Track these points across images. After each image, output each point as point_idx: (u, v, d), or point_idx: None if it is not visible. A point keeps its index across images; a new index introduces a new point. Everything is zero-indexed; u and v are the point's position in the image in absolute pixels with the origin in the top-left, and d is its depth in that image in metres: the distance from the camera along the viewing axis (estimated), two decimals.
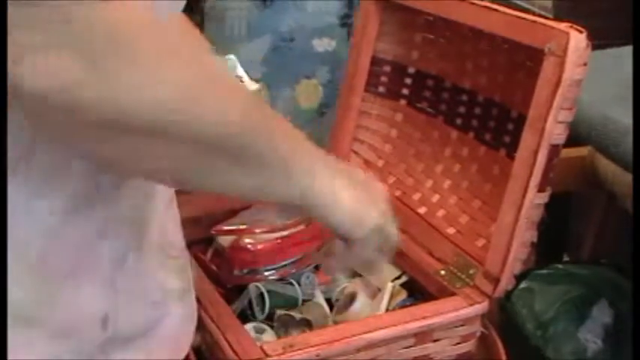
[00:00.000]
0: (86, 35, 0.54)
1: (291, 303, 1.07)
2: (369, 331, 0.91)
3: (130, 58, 0.56)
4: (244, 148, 0.69)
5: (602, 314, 1.27)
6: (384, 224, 0.86)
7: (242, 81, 1.32)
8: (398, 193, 1.20)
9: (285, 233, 1.09)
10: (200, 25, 1.65)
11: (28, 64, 0.53)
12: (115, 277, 0.73)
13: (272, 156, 0.73)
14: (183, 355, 0.85)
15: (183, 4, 0.72)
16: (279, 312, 1.05)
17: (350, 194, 0.82)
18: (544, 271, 1.33)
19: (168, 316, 0.81)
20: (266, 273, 1.10)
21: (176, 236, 0.84)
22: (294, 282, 1.10)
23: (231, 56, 1.27)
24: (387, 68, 1.24)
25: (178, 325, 0.83)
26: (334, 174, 0.80)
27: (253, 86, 1.32)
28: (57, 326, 0.70)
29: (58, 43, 0.54)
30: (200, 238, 1.13)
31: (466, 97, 1.17)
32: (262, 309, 1.05)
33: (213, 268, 1.11)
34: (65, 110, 0.56)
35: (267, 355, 0.86)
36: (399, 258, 1.10)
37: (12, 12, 0.53)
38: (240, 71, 1.31)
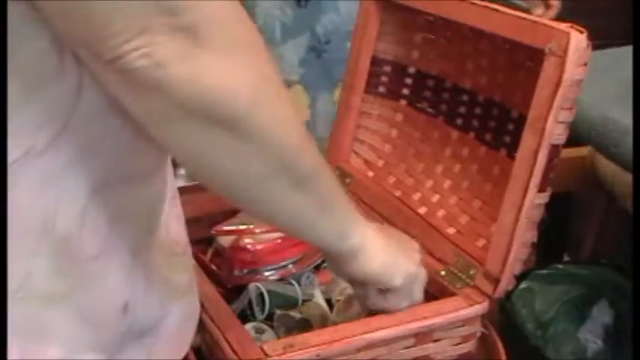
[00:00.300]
0: (190, 22, 0.60)
1: (291, 303, 1.07)
2: (370, 331, 0.91)
3: (220, 45, 0.62)
4: (301, 168, 0.73)
5: (602, 314, 1.27)
6: (416, 276, 0.93)
7: None
8: (398, 193, 1.20)
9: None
10: None
11: (133, 43, 0.60)
12: (133, 266, 0.75)
13: (322, 188, 0.77)
14: (184, 352, 0.86)
15: None
16: (279, 312, 1.05)
17: (384, 244, 0.88)
18: (544, 271, 1.33)
19: (171, 314, 0.81)
20: (266, 273, 1.10)
21: (180, 234, 0.85)
22: (294, 282, 1.10)
23: None
24: (388, 68, 1.24)
25: (180, 322, 0.83)
26: (368, 224, 0.86)
27: None
28: (82, 309, 0.71)
29: (161, 24, 0.60)
30: (200, 238, 1.13)
31: (466, 97, 1.17)
32: (262, 309, 1.05)
33: (213, 268, 1.11)
34: (155, 87, 0.61)
35: (267, 355, 0.86)
36: None
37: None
38: None
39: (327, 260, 0.94)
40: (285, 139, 0.69)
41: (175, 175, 1.13)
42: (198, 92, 0.62)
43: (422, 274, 0.94)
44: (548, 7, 1.63)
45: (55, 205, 0.67)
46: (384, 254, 0.88)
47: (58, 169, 0.67)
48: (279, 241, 1.09)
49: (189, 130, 0.65)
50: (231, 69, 0.63)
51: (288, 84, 1.60)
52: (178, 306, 0.83)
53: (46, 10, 0.61)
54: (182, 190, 1.07)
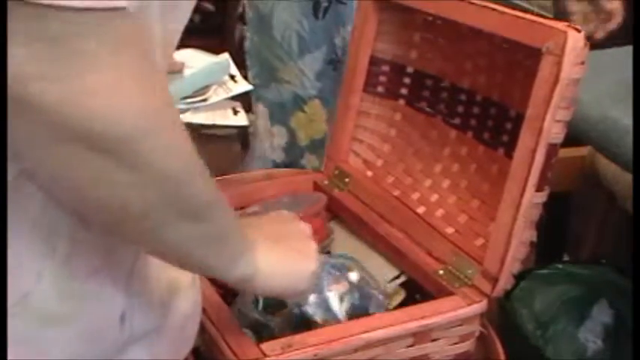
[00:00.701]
0: (56, 35, 0.54)
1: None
2: (368, 331, 0.91)
3: (95, 64, 0.56)
4: (190, 201, 0.67)
5: (602, 314, 1.27)
6: (319, 271, 0.90)
7: (235, 81, 1.31)
8: (397, 192, 1.20)
9: None
10: (238, 43, 1.62)
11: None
12: (131, 274, 0.74)
13: (213, 221, 0.72)
14: (188, 348, 0.86)
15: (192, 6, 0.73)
16: (278, 311, 1.04)
17: (278, 259, 0.84)
18: (544, 271, 1.33)
19: (173, 311, 0.81)
20: None
21: None
22: None
23: (226, 55, 1.26)
24: (386, 68, 1.24)
25: (183, 320, 0.83)
26: (259, 247, 0.81)
27: (247, 87, 1.31)
28: (80, 327, 0.71)
29: (29, 38, 0.54)
30: None
31: (465, 97, 1.17)
32: (262, 308, 1.05)
33: None
34: (21, 107, 0.55)
35: (265, 356, 0.86)
36: (398, 258, 1.10)
37: None
38: (234, 70, 1.30)
39: None
40: (172, 171, 0.64)
41: None
42: (77, 116, 0.56)
43: (320, 263, 0.91)
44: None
45: (56, 225, 0.67)
46: (281, 270, 0.84)
47: None
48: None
49: (67, 156, 0.59)
50: (114, 94, 0.57)
51: (306, 99, 1.58)
52: (180, 303, 0.83)
53: None
54: None
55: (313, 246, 0.89)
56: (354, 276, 1.04)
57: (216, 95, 1.43)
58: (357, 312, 1.00)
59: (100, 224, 0.67)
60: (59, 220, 0.67)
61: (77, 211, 0.66)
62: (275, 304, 1.03)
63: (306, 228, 0.91)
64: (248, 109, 1.63)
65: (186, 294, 0.84)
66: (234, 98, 1.53)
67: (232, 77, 1.27)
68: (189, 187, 0.66)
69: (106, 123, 0.57)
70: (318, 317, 1.00)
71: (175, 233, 0.68)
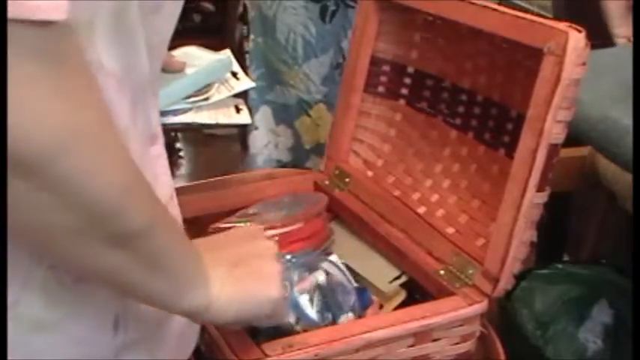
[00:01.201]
0: None
1: None
2: (368, 331, 0.91)
3: (22, 81, 0.53)
4: (120, 225, 0.63)
5: (602, 314, 1.27)
6: (281, 298, 0.82)
7: (238, 78, 1.31)
8: (397, 192, 1.20)
9: (283, 230, 1.08)
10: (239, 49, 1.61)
11: None
12: None
13: (151, 246, 0.67)
14: (190, 351, 0.86)
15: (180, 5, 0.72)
16: None
17: (236, 291, 0.77)
18: (544, 271, 1.33)
19: (173, 318, 0.81)
20: None
21: None
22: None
23: (227, 51, 1.25)
24: (387, 68, 1.24)
25: (184, 322, 0.82)
26: (213, 275, 0.76)
27: (249, 84, 1.31)
28: (71, 333, 0.70)
29: None
30: (199, 238, 1.13)
31: (465, 97, 1.17)
32: None
33: None
34: None
35: (266, 356, 0.86)
36: (399, 258, 1.10)
37: None
38: (236, 67, 1.30)
39: None
40: (98, 193, 0.60)
41: (175, 175, 1.14)
42: None
43: (284, 292, 0.84)
44: None
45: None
46: (238, 300, 0.78)
47: None
48: (276, 238, 1.07)
49: None
50: (28, 110, 0.53)
51: (312, 103, 1.57)
52: None
53: None
54: (182, 190, 1.07)
55: (277, 268, 0.82)
56: (319, 274, 1.04)
57: (218, 93, 1.42)
58: (330, 308, 1.01)
59: (28, 246, 0.64)
60: None
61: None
62: None
63: (271, 245, 0.85)
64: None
65: None
66: (237, 96, 1.53)
67: (234, 74, 1.26)
68: (117, 213, 0.62)
69: (18, 141, 0.53)
70: (291, 320, 0.98)
71: (105, 260, 0.64)
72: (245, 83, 1.31)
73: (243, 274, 0.79)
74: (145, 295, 0.71)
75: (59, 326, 0.69)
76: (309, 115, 1.59)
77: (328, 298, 1.01)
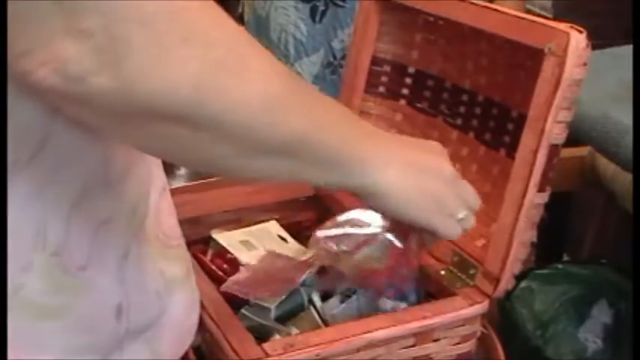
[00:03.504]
0: (96, 22, 0.53)
1: (298, 309, 1.06)
2: (369, 331, 0.91)
3: (143, 46, 0.56)
4: (278, 139, 0.67)
5: (602, 314, 1.27)
6: (455, 174, 0.85)
7: None
8: None
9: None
10: None
11: (38, 56, 0.53)
12: (122, 268, 0.74)
13: (313, 149, 0.71)
14: (189, 342, 0.87)
15: None
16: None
17: (410, 178, 0.80)
18: (544, 271, 1.33)
19: (172, 305, 0.82)
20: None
21: (172, 226, 0.85)
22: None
23: None
24: (387, 68, 1.24)
25: (182, 313, 0.84)
26: (389, 159, 0.78)
27: None
28: (75, 319, 0.71)
29: (65, 31, 0.53)
30: (200, 238, 1.13)
31: (466, 97, 1.17)
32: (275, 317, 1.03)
33: (214, 268, 1.11)
34: (80, 101, 0.56)
35: (267, 355, 0.86)
36: None
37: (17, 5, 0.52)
38: None
39: None
40: (247, 120, 0.64)
41: (175, 175, 1.14)
42: (131, 100, 0.57)
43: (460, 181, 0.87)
44: None
45: (43, 218, 0.67)
46: (413, 170, 0.80)
47: (43, 182, 0.66)
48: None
49: (136, 131, 0.61)
50: (163, 68, 0.57)
51: None
52: (178, 297, 0.83)
53: None
54: (182, 190, 1.08)
55: (444, 152, 0.86)
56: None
57: None
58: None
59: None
60: (50, 211, 0.67)
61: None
62: (291, 311, 1.03)
63: (438, 147, 0.87)
64: None
65: (182, 286, 0.84)
66: None
67: None
68: (272, 126, 0.65)
69: (166, 95, 0.57)
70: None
71: (271, 166, 0.69)
72: None
73: (412, 152, 0.82)
74: (316, 182, 0.79)
75: (64, 313, 0.70)
76: None
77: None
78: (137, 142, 0.65)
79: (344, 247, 0.99)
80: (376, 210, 0.85)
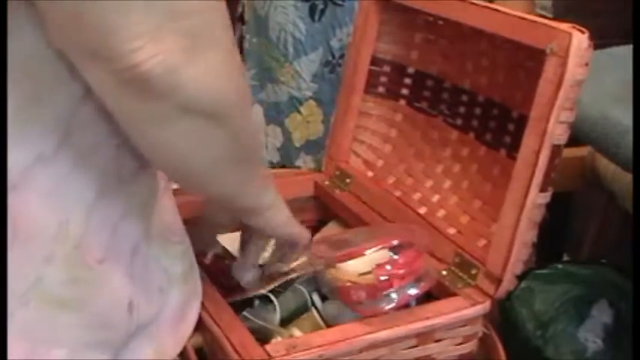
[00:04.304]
0: (192, 26, 0.63)
1: (301, 310, 1.06)
2: (372, 332, 0.91)
3: (216, 48, 0.66)
4: (254, 151, 0.83)
5: (602, 314, 1.27)
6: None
7: None
8: (398, 193, 1.20)
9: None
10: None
11: (149, 51, 0.61)
12: (132, 264, 0.77)
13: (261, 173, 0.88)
14: (188, 333, 0.88)
15: None
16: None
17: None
18: (544, 271, 1.33)
19: (172, 300, 0.84)
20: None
21: (174, 222, 0.88)
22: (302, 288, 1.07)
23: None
24: (387, 68, 1.24)
25: (180, 306, 0.86)
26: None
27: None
28: (90, 313, 0.73)
29: (170, 29, 0.62)
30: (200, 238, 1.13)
31: (466, 98, 1.17)
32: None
33: (214, 269, 1.11)
34: (166, 91, 0.64)
35: (270, 357, 0.86)
36: None
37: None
38: None
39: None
40: (251, 133, 0.78)
41: None
42: (200, 93, 0.66)
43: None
44: None
45: (66, 211, 0.69)
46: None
47: (65, 175, 0.69)
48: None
49: (183, 127, 0.68)
50: (224, 69, 0.67)
51: (302, 100, 1.58)
52: (177, 292, 0.86)
53: (55, 21, 0.62)
54: (182, 190, 1.07)
55: None
56: None
57: None
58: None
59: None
60: (72, 204, 0.70)
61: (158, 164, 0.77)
62: (294, 312, 1.03)
63: None
64: None
65: (183, 282, 0.87)
66: None
67: None
68: (257, 143, 0.87)
69: (212, 97, 0.67)
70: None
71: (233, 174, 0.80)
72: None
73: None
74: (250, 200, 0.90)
75: (80, 306, 0.72)
76: (299, 112, 1.59)
77: None
78: (165, 138, 0.69)
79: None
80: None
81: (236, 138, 0.73)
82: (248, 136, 0.77)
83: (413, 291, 0.95)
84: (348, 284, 0.94)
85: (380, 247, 0.96)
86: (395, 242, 0.96)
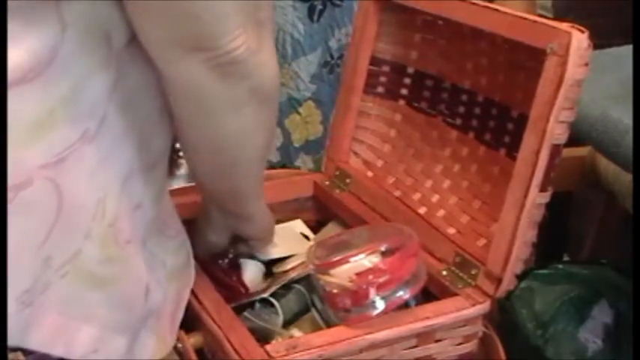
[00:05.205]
0: (262, 17, 0.73)
1: (302, 311, 1.05)
2: (372, 332, 0.91)
3: (271, 36, 0.77)
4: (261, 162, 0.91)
5: (602, 314, 1.27)
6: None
7: None
8: (397, 193, 1.20)
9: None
10: None
11: (241, 38, 0.71)
12: (146, 251, 0.80)
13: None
14: (177, 327, 0.90)
15: None
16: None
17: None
18: (544, 271, 1.33)
19: (169, 293, 0.87)
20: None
21: (170, 216, 0.89)
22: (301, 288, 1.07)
23: None
24: (386, 68, 1.24)
25: (175, 301, 0.89)
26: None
27: None
28: (118, 293, 0.76)
29: (253, 20, 0.72)
30: None
31: (466, 97, 1.17)
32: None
33: (214, 269, 1.10)
34: (246, 74, 0.74)
35: (270, 357, 0.86)
36: None
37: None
38: None
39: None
40: (274, 120, 0.88)
41: (175, 175, 1.14)
42: (263, 79, 0.77)
43: None
44: None
45: (104, 189, 0.72)
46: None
47: (105, 154, 0.72)
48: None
49: (252, 109, 0.79)
50: (274, 57, 0.79)
51: (301, 100, 1.59)
52: (173, 287, 0.88)
53: (152, 20, 0.68)
54: (182, 191, 1.07)
55: None
56: None
57: None
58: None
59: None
60: (109, 183, 0.73)
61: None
62: (296, 313, 1.03)
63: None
64: None
65: (180, 278, 0.90)
66: None
67: None
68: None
69: (272, 82, 0.80)
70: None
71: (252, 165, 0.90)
72: None
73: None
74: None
75: (110, 284, 0.74)
76: (298, 113, 1.59)
77: None
78: (235, 126, 0.80)
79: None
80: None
81: (269, 121, 0.85)
82: (271, 131, 0.87)
83: (402, 295, 0.94)
84: (335, 291, 0.94)
85: (368, 252, 0.95)
86: (383, 248, 0.96)
